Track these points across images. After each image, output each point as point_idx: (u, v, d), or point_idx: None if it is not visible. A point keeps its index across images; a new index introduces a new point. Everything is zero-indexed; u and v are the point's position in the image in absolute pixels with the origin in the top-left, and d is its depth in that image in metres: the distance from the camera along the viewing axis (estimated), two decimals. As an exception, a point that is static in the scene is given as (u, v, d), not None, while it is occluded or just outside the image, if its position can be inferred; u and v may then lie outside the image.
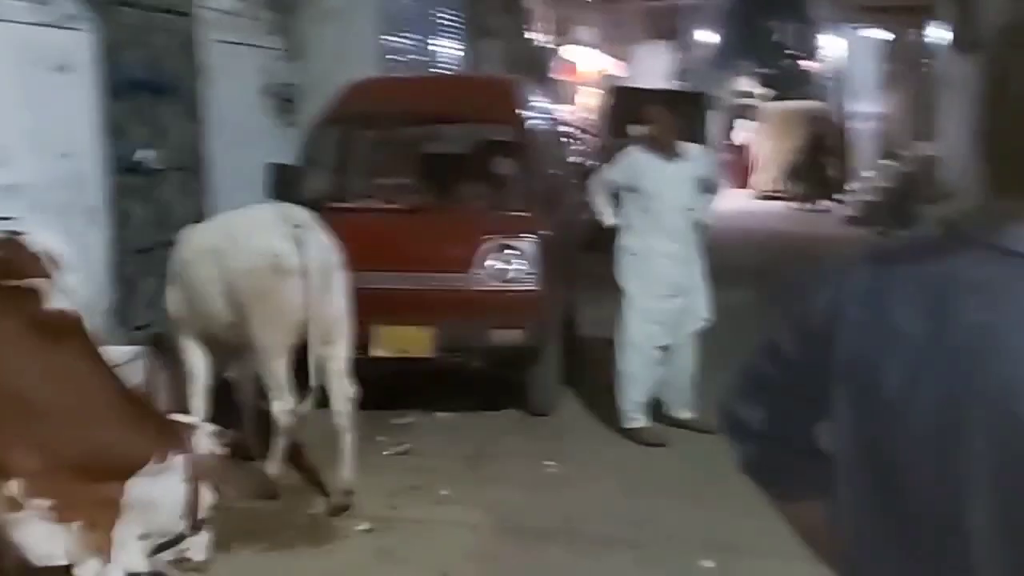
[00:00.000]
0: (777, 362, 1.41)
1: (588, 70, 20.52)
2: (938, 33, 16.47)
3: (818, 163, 19.91)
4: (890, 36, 21.33)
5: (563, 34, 20.04)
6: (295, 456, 4.99)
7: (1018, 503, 1.11)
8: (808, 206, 19.49)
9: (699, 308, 5.99)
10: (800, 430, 1.42)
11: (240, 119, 8.08)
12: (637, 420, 5.91)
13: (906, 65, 20.52)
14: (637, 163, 5.91)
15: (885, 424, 1.23)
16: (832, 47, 24.18)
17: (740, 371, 1.49)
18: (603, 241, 6.16)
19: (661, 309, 5.88)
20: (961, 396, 1.16)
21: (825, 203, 19.27)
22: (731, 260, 10.51)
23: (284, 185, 6.47)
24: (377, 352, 5.79)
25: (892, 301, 1.24)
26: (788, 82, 28.73)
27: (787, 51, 31.52)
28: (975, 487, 1.14)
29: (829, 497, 1.33)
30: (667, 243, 5.86)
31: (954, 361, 1.17)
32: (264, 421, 4.85)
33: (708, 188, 6.17)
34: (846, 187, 19.33)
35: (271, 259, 4.58)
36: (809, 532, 1.48)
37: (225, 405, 5.10)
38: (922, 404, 1.19)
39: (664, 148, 5.87)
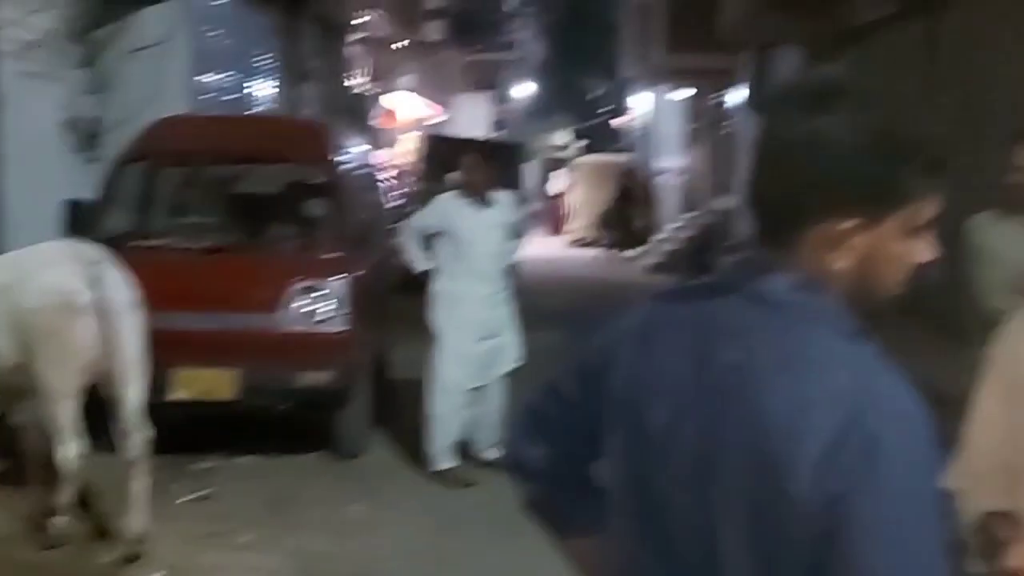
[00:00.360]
0: (558, 401, 1.46)
1: (407, 117, 20.66)
2: (737, 94, 17.47)
3: (626, 214, 20.66)
4: (695, 95, 22.43)
5: (383, 81, 20.15)
6: (86, 503, 4.76)
7: (766, 538, 1.17)
8: (616, 254, 20.16)
9: (510, 350, 6.11)
10: (578, 468, 1.47)
11: (38, 153, 7.74)
12: (445, 462, 5.94)
13: (708, 123, 21.63)
14: (450, 209, 6.01)
15: (651, 462, 1.29)
16: (641, 104, 25.21)
17: (523, 410, 1.54)
18: (418, 284, 6.20)
19: (473, 352, 5.96)
20: (716, 435, 1.22)
21: (632, 251, 19.97)
22: (543, 304, 10.75)
23: (82, 222, 6.23)
24: (177, 395, 5.62)
25: (660, 343, 1.31)
26: (600, 136, 29.77)
27: (599, 107, 32.66)
28: (728, 523, 1.20)
29: (604, 532, 1.38)
30: (480, 287, 5.96)
31: (710, 402, 1.24)
32: (52, 467, 4.60)
33: (516, 233, 6.34)
34: (652, 237, 20.10)
35: (61, 297, 4.40)
36: (586, 566, 1.53)
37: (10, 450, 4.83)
38: (683, 443, 1.26)
39: (477, 195, 5.99)
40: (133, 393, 4.55)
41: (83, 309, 4.41)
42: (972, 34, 7.94)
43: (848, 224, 1.23)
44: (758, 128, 1.32)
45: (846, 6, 10.31)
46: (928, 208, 1.26)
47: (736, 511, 1.20)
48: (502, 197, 6.23)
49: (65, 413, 4.41)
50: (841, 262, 1.24)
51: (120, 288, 4.56)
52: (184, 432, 5.59)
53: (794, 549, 1.15)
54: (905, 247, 1.26)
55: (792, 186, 1.24)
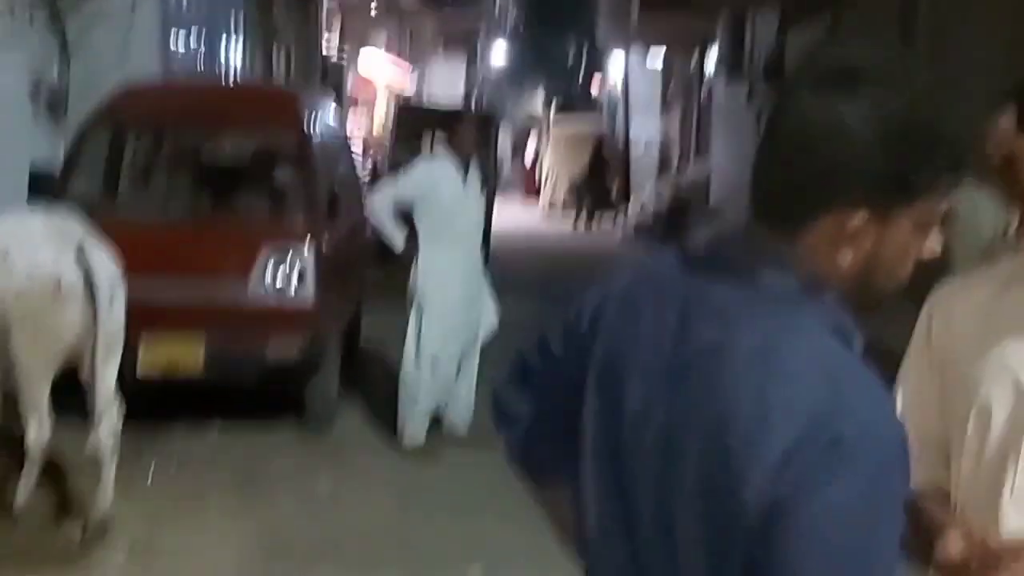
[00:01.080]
0: (546, 356, 1.45)
1: (381, 82, 20.48)
2: (712, 60, 17.41)
3: (601, 180, 20.61)
4: (669, 61, 22.35)
5: (358, 45, 19.93)
6: (50, 479, 4.71)
7: (716, 528, 1.15)
8: (591, 221, 20.15)
9: (487, 317, 6.08)
10: (561, 422, 1.43)
11: (3, 120, 7.61)
12: (416, 434, 5.92)
13: (683, 89, 21.57)
14: (433, 176, 5.89)
15: (622, 431, 1.27)
16: (617, 69, 25.09)
17: (512, 362, 1.53)
18: (389, 253, 6.12)
19: (457, 321, 5.89)
20: (681, 417, 1.19)
21: (606, 218, 19.97)
22: (516, 273, 10.75)
23: (47, 189, 6.14)
24: (143, 368, 5.56)
25: (644, 312, 1.28)
26: (574, 100, 29.62)
27: (574, 70, 32.49)
28: (683, 506, 1.19)
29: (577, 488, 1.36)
30: (463, 255, 5.90)
31: (683, 380, 1.20)
32: (14, 442, 4.54)
33: (487, 201, 6.30)
34: (626, 203, 20.10)
35: (49, 280, 4.21)
36: (561, 518, 1.51)
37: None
38: (652, 418, 1.23)
39: (461, 161, 5.92)
40: (109, 371, 4.45)
41: (68, 292, 4.25)
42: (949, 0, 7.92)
43: (859, 217, 1.18)
44: (771, 106, 1.25)
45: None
46: (943, 202, 1.22)
47: (691, 496, 1.18)
48: (466, 162, 6.15)
49: (40, 394, 4.30)
50: (847, 256, 1.20)
51: (109, 268, 4.41)
52: (151, 405, 5.54)
53: (739, 544, 1.13)
54: (915, 241, 1.22)
55: (804, 173, 1.19)
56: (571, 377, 1.36)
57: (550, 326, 1.45)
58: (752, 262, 1.22)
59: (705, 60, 18.43)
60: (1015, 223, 4.11)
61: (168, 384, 5.82)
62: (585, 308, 1.36)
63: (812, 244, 1.20)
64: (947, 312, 1.77)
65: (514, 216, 19.24)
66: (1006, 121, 4.28)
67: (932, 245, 1.25)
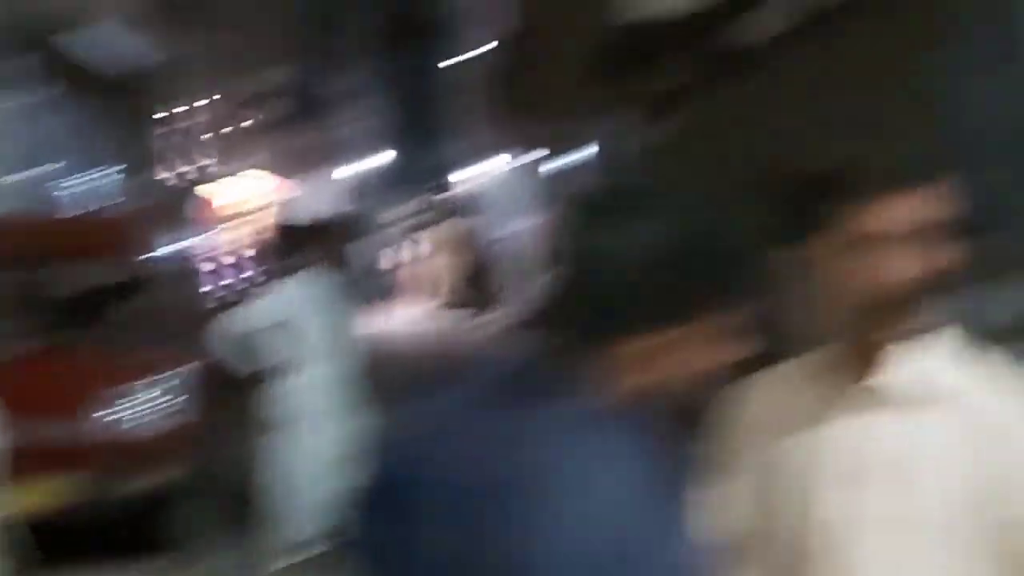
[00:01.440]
0: (382, 484, 1.42)
1: (246, 201, 20.39)
2: (579, 156, 17.96)
3: (481, 278, 20.83)
4: (542, 162, 22.92)
5: (222, 164, 19.88)
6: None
7: None
8: (469, 320, 20.27)
9: (352, 432, 6.04)
10: (409, 546, 1.40)
11: None
12: (286, 554, 5.79)
13: (561, 184, 22.08)
14: (297, 296, 5.88)
15: (443, 561, 1.25)
16: (490, 170, 25.56)
17: (358, 488, 1.49)
18: (252, 378, 6.05)
19: (322, 441, 5.84)
20: (482, 549, 1.18)
21: (488, 315, 20.14)
22: (398, 378, 10.67)
23: None
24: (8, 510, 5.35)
25: (455, 439, 1.27)
26: (451, 203, 30.00)
27: (449, 174, 32.97)
28: None
29: None
30: (327, 371, 5.87)
31: (481, 510, 1.19)
32: None
33: (354, 311, 6.33)
34: (504, 300, 20.32)
35: None
36: None
37: None
38: (461, 550, 1.21)
39: (322, 277, 5.92)
40: None
41: None
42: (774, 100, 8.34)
43: (650, 338, 1.19)
44: (564, 238, 1.28)
45: (665, 69, 10.73)
46: (737, 313, 1.23)
47: None
48: (336, 276, 6.17)
49: None
50: (644, 375, 1.21)
51: None
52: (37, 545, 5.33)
53: None
54: (712, 354, 1.22)
55: (590, 300, 1.21)
56: (404, 504, 1.35)
57: (383, 453, 1.43)
58: (547, 387, 1.22)
59: (574, 157, 18.96)
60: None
61: (38, 524, 5.59)
62: (408, 435, 1.37)
63: (610, 366, 1.20)
64: (750, 410, 1.74)
65: (394, 320, 19.23)
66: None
67: (733, 355, 1.25)
